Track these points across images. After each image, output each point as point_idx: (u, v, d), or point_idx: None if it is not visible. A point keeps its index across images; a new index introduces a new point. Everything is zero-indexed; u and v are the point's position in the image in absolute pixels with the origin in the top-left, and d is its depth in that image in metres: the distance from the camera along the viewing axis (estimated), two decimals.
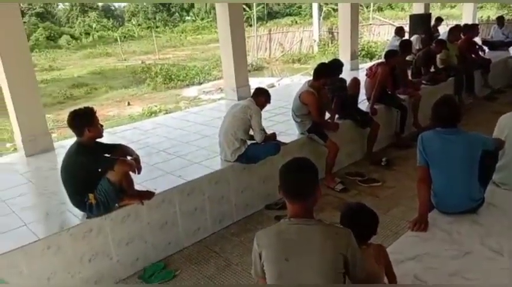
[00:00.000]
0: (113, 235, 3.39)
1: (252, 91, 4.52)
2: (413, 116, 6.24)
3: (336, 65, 5.16)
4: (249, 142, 4.25)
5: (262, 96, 4.32)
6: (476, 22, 12.17)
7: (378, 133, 5.47)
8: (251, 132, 4.26)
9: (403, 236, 2.91)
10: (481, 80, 8.17)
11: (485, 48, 9.31)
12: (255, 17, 22.85)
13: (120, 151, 3.46)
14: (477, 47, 8.73)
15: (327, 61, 5.38)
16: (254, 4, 23.27)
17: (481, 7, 18.90)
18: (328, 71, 4.75)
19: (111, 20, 39.81)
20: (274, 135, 4.55)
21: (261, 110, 4.29)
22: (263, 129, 4.26)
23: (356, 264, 1.82)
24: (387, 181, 4.95)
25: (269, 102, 4.41)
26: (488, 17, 16.68)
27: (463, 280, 2.37)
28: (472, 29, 8.47)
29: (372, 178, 5.01)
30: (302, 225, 1.81)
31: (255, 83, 10.11)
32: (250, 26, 22.59)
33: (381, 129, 5.57)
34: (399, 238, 2.95)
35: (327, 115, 5.14)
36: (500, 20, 10.67)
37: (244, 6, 20.26)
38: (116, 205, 3.37)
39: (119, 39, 27.95)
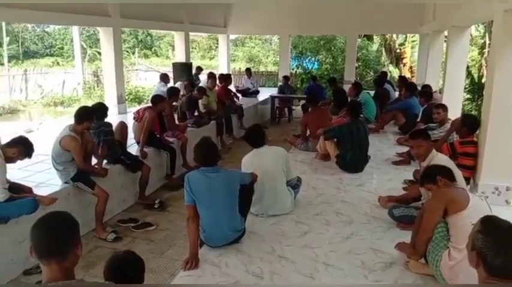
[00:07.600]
0: None
1: None
2: (182, 157, 6.51)
3: (99, 108, 4.97)
4: None
5: (15, 147, 3.75)
6: (230, 72, 13.88)
7: (148, 176, 5.45)
8: None
9: (177, 277, 2.93)
10: (238, 122, 9.27)
11: (239, 95, 10.73)
12: (6, 55, 20.17)
13: None
14: (232, 94, 9.94)
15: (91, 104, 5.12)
16: (5, 41, 20.63)
17: (234, 60, 21.72)
18: (90, 115, 4.49)
19: None
20: (28, 189, 3.97)
21: (14, 161, 3.72)
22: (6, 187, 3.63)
23: None
24: (161, 223, 4.95)
25: (28, 155, 3.87)
26: (240, 68, 19.29)
27: None
28: (226, 78, 9.62)
29: (146, 222, 4.92)
30: None
31: (8, 128, 8.81)
32: (2, 64, 19.79)
33: (152, 172, 5.59)
34: (174, 280, 2.94)
35: (94, 161, 4.84)
36: (248, 72, 12.48)
37: None
38: None
39: None
